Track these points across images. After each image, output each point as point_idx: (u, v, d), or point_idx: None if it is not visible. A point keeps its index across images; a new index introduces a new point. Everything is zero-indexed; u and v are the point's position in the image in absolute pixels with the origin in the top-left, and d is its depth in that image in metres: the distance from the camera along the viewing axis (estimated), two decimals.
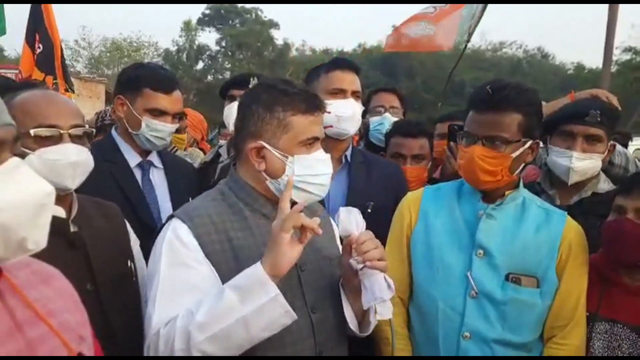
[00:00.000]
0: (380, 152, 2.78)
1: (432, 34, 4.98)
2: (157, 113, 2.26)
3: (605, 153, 2.11)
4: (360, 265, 1.41)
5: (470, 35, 4.95)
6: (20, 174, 0.93)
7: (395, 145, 2.61)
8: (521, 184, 1.87)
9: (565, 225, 1.80)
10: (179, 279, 1.42)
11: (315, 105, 1.53)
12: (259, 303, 1.30)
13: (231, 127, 2.79)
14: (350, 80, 2.30)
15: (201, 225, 1.47)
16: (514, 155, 1.74)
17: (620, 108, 2.35)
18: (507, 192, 1.83)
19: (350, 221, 1.45)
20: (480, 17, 4.92)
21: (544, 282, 1.75)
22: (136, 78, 2.28)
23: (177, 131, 3.78)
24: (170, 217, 1.55)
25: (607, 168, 2.30)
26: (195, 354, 1.32)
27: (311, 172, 1.51)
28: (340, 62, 2.40)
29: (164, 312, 1.40)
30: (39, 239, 0.94)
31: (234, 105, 2.80)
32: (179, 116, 2.47)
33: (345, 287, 1.56)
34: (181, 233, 1.46)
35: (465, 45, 5.32)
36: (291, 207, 1.39)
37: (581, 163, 2.07)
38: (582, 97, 2.44)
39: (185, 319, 1.35)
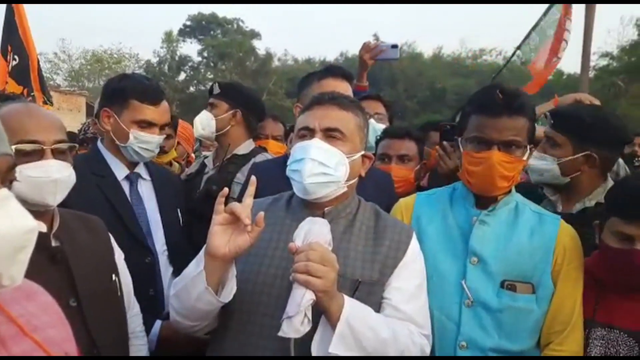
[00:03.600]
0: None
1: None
2: (145, 125, 2.23)
3: (568, 159, 2.06)
4: (291, 276, 1.37)
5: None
6: (6, 207, 0.89)
7: (382, 147, 2.63)
8: (513, 189, 1.85)
9: (559, 229, 1.78)
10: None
11: (315, 101, 1.68)
12: (192, 275, 1.46)
13: (199, 131, 2.79)
14: (342, 88, 2.30)
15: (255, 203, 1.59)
16: (525, 159, 1.75)
17: None
18: (499, 197, 1.81)
19: (300, 230, 1.42)
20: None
21: (539, 288, 1.73)
22: (122, 90, 2.24)
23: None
24: None
25: (613, 179, 2.25)
26: (170, 306, 1.60)
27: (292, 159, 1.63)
28: (333, 69, 2.43)
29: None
30: (15, 275, 0.90)
31: (201, 113, 2.85)
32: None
33: None
34: None
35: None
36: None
37: (535, 162, 2.10)
38: (566, 102, 2.46)
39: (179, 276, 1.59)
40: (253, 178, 1.50)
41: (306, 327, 1.33)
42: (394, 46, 3.25)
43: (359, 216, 1.67)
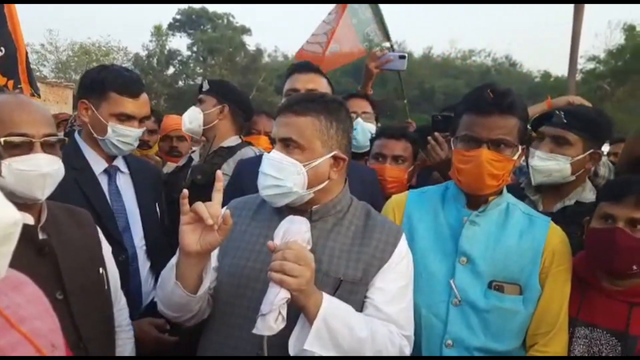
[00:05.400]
0: (365, 157, 2.78)
1: (338, 51, 5.02)
2: (124, 118, 2.19)
3: (580, 158, 2.07)
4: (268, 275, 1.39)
5: (388, 37, 4.89)
6: None
7: (378, 146, 2.62)
8: (505, 190, 1.86)
9: (548, 231, 1.79)
10: None
11: (278, 109, 1.68)
12: (167, 269, 1.54)
13: (186, 125, 2.79)
14: (304, 80, 2.35)
15: (235, 203, 1.76)
16: (515, 158, 1.75)
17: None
18: (490, 198, 1.82)
19: (279, 229, 1.45)
20: (379, 16, 4.89)
21: (527, 290, 1.74)
22: (101, 81, 2.19)
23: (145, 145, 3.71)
24: None
25: (591, 178, 2.30)
26: (156, 297, 1.65)
27: None
28: (298, 64, 2.50)
29: None
30: None
31: (189, 109, 2.86)
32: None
33: None
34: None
35: (392, 46, 5.22)
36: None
37: (543, 162, 2.09)
38: (559, 104, 2.49)
39: None
40: (219, 172, 1.52)
41: (280, 325, 1.35)
42: (402, 57, 3.17)
43: (348, 215, 1.67)
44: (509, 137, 1.72)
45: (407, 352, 1.59)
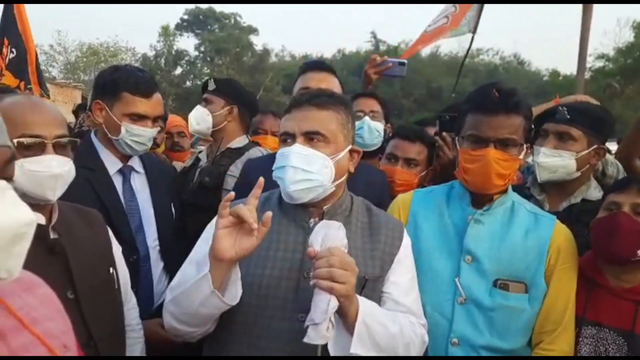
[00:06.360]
0: (379, 155, 2.76)
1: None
2: (137, 118, 2.20)
3: (584, 153, 2.07)
4: (312, 282, 1.37)
5: (475, 30, 4.94)
6: (4, 199, 0.88)
7: (392, 146, 2.58)
8: (510, 188, 1.86)
9: (554, 229, 1.80)
10: (197, 251, 1.61)
11: (294, 103, 1.65)
12: (196, 278, 1.43)
13: (194, 127, 2.79)
14: (317, 79, 2.34)
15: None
16: (521, 157, 1.76)
17: None
18: (495, 197, 1.82)
19: (317, 235, 1.42)
20: (481, 10, 4.91)
21: (532, 288, 1.75)
22: (114, 82, 2.21)
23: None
24: None
25: (599, 177, 2.30)
26: (165, 312, 1.55)
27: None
28: (311, 63, 2.48)
29: (178, 274, 1.60)
30: (12, 267, 0.90)
31: (195, 108, 2.85)
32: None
33: None
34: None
35: (467, 52, 5.32)
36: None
37: (548, 159, 2.09)
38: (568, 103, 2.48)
39: (174, 280, 1.58)
40: (261, 179, 1.48)
41: (331, 333, 1.34)
42: (402, 63, 3.15)
43: (353, 212, 1.68)
44: (515, 136, 1.73)
45: (426, 339, 1.62)
